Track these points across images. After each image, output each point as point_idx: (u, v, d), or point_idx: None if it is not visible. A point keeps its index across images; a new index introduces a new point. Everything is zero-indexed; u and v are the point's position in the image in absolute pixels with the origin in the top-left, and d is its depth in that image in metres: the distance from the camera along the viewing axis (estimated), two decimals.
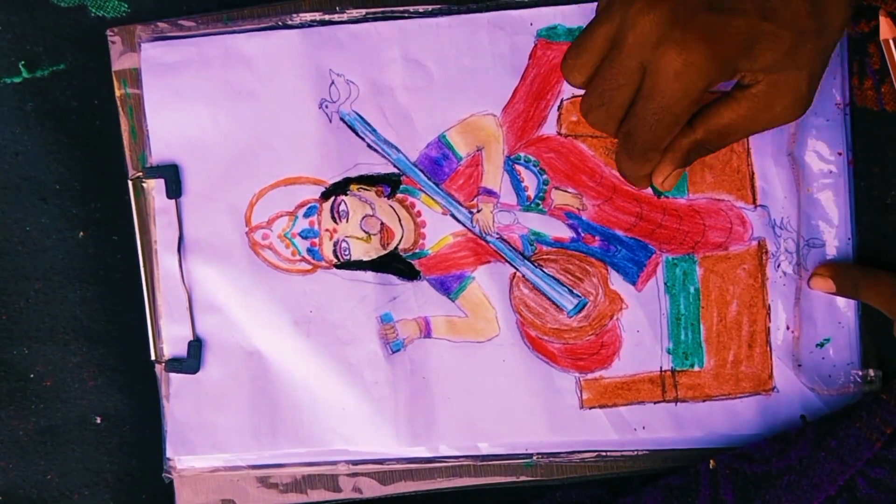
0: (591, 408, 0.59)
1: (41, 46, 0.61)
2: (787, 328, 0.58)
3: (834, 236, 0.58)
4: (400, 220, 0.59)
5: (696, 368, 0.58)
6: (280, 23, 0.59)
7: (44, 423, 0.62)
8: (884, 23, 0.56)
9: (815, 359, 0.58)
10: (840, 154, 0.57)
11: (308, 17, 0.59)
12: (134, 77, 0.60)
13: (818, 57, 0.48)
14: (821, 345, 0.57)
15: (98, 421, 0.62)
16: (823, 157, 0.57)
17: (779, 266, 0.58)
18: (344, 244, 0.59)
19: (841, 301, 0.57)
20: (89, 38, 0.61)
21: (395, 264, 0.60)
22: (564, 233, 0.59)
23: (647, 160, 0.50)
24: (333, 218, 0.59)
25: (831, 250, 0.58)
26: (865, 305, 0.57)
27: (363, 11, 0.58)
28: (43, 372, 0.62)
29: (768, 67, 0.47)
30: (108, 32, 0.60)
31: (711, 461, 0.56)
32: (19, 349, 0.62)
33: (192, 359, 0.60)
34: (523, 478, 0.60)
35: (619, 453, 0.59)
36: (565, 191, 0.59)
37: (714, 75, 0.46)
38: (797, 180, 0.57)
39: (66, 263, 0.62)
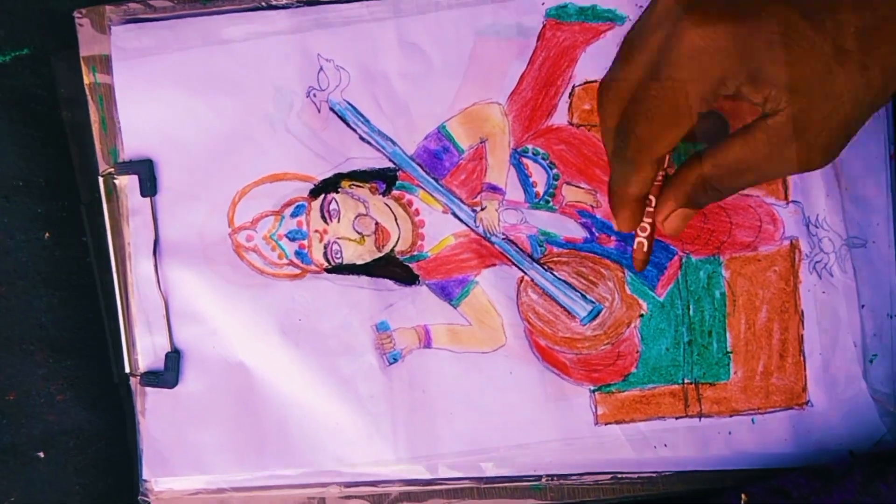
0: (606, 424, 0.55)
1: (1, 29, 0.57)
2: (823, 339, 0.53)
3: (877, 235, 0.54)
4: (396, 220, 0.56)
5: (722, 381, 0.55)
6: (264, 3, 0.55)
7: (6, 441, 0.58)
8: None
9: (858, 374, 0.53)
10: (890, 147, 0.53)
11: None
12: (104, 63, 0.56)
13: (856, 96, 0.42)
14: (871, 360, 0.53)
15: (65, 438, 0.58)
16: (864, 149, 0.53)
17: (814, 268, 0.53)
18: (335, 246, 0.55)
19: (885, 316, 0.53)
20: (56, 21, 0.57)
21: (392, 268, 0.56)
22: (577, 232, 0.55)
23: (636, 167, 0.46)
24: (323, 218, 0.55)
25: (875, 250, 0.53)
26: None
27: None
28: (6, 384, 0.58)
29: (795, 85, 0.41)
30: (76, 14, 0.56)
31: (743, 495, 0.52)
32: None
33: (169, 372, 0.56)
34: (531, 501, 0.55)
35: (636, 475, 0.54)
36: (578, 186, 0.55)
37: (733, 68, 0.42)
38: (836, 173, 0.53)
39: (30, 267, 0.57)
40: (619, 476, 0.55)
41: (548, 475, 0.55)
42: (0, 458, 0.58)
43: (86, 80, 0.56)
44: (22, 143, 0.57)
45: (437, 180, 0.55)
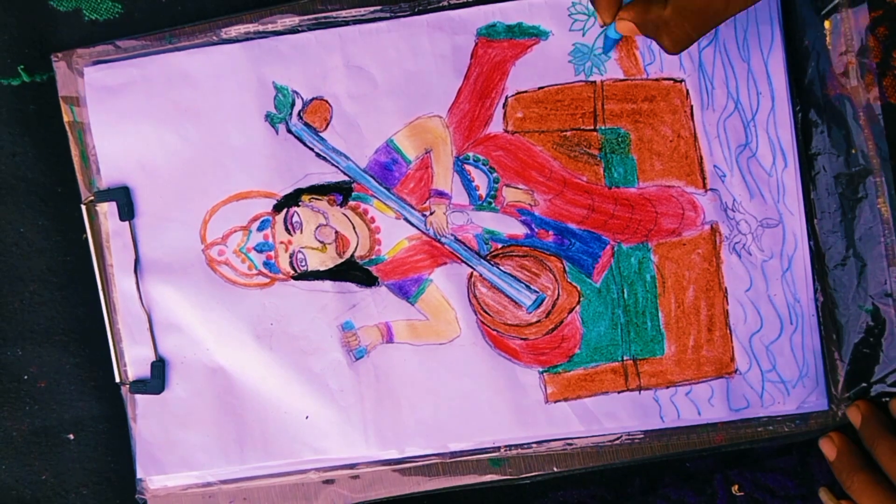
0: (556, 401, 0.59)
1: (38, 50, 0.61)
2: (746, 312, 0.58)
3: (789, 214, 0.58)
4: (354, 228, 0.59)
5: (658, 356, 0.58)
6: (215, 38, 0.59)
7: (38, 424, 0.62)
8: None
9: (779, 344, 0.58)
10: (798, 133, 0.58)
11: (243, 28, 0.59)
12: (80, 102, 0.60)
13: None
14: (781, 332, 0.58)
15: (95, 422, 0.62)
16: (774, 135, 0.57)
17: (734, 249, 0.58)
18: (300, 255, 0.59)
19: (801, 287, 0.57)
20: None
21: (353, 272, 0.60)
22: (518, 229, 0.59)
23: None
24: (287, 230, 0.59)
25: (788, 228, 0.58)
26: (825, 293, 0.57)
27: (296, 19, 0.58)
28: (37, 373, 0.62)
29: None
30: (53, 58, 0.60)
31: (735, 486, 0.56)
32: (13, 350, 0.62)
33: (155, 379, 0.60)
34: (491, 476, 0.60)
35: (585, 443, 0.59)
36: (516, 187, 0.59)
37: None
38: (746, 161, 0.57)
39: (64, 265, 0.62)
40: (570, 443, 0.59)
41: (505, 446, 0.59)
42: (32, 440, 0.62)
43: (65, 118, 0.60)
44: (59, 152, 0.61)
45: (388, 189, 0.59)
